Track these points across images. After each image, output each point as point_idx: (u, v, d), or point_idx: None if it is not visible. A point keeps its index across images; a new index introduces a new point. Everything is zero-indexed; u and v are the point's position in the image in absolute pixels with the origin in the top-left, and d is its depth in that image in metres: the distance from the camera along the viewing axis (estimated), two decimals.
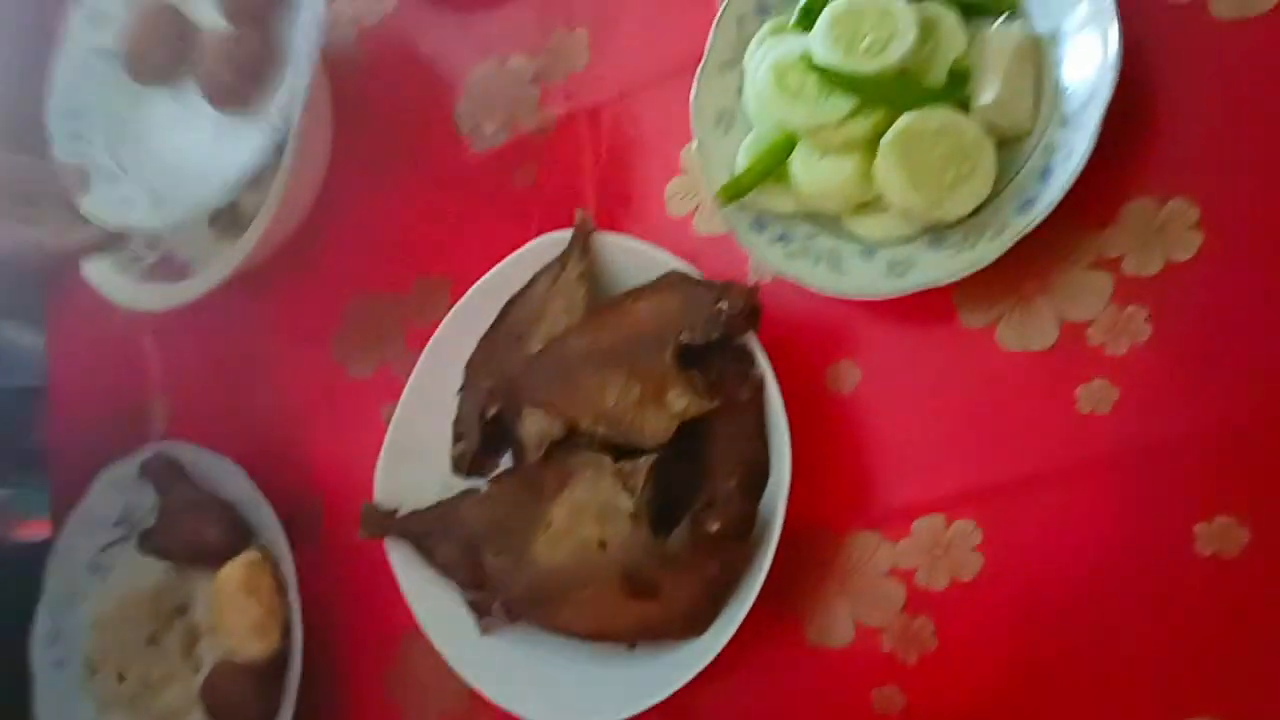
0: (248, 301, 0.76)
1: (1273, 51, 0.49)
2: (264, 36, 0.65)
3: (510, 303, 0.65)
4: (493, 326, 0.65)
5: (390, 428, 0.66)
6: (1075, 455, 0.51)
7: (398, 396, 0.66)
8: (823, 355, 0.58)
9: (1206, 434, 0.49)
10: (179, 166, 0.69)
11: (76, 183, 0.68)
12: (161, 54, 0.69)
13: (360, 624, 0.70)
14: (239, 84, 0.65)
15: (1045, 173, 0.51)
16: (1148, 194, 0.51)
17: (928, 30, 0.54)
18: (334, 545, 0.71)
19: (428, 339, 0.66)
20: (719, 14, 0.60)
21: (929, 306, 0.54)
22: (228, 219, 0.74)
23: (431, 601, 0.63)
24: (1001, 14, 0.54)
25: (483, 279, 0.65)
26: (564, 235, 0.63)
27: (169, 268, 0.75)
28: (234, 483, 0.71)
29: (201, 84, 0.66)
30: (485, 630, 0.62)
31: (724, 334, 0.56)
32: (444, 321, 0.66)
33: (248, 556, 0.69)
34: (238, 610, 0.67)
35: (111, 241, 0.68)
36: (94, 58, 0.71)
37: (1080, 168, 0.49)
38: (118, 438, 0.79)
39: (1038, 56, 0.52)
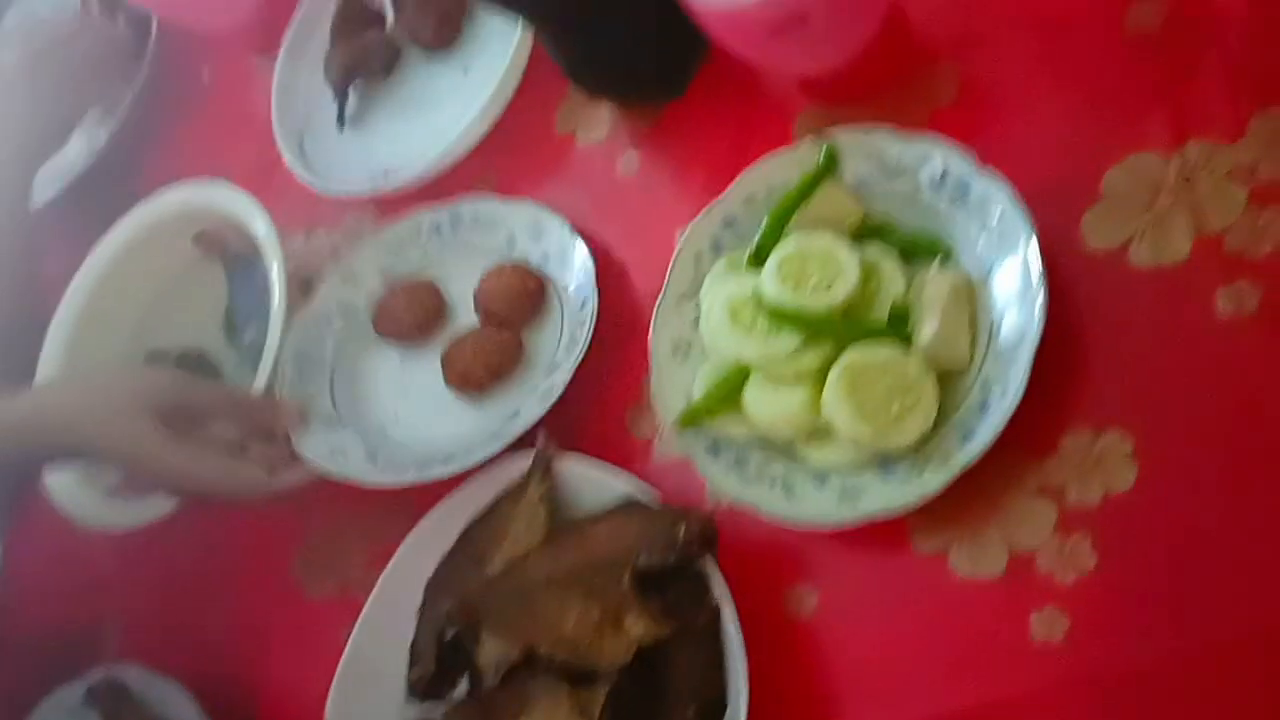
0: (208, 520, 0.76)
1: (1187, 296, 0.52)
2: (515, 338, 0.70)
3: (472, 524, 0.65)
4: (454, 547, 0.65)
5: (346, 651, 0.65)
6: (1030, 684, 0.51)
7: (355, 618, 0.65)
8: (780, 580, 0.58)
9: (1156, 663, 0.49)
10: (397, 428, 0.73)
11: (296, 422, 0.71)
12: (411, 321, 0.74)
13: None
14: (484, 378, 0.69)
15: (984, 406, 0.53)
16: (1084, 426, 0.53)
17: (870, 272, 0.58)
18: None
19: (388, 559, 0.66)
20: (677, 250, 0.64)
21: (883, 532, 0.55)
22: None
23: None
24: (937, 257, 0.58)
25: (445, 499, 0.66)
26: (526, 457, 0.64)
27: (132, 485, 0.76)
28: (183, 709, 0.69)
29: (447, 370, 0.70)
30: None
31: (681, 559, 0.57)
32: (405, 542, 0.66)
33: None
34: None
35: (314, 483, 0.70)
36: (335, 311, 0.76)
37: (1016, 402, 0.52)
38: (66, 658, 0.77)
39: (972, 297, 0.56)
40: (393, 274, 0.76)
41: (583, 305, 0.67)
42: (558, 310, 0.70)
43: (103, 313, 0.86)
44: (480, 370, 0.69)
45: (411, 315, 0.74)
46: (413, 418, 0.72)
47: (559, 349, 0.68)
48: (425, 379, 0.73)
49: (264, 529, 0.76)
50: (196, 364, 0.82)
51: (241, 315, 0.83)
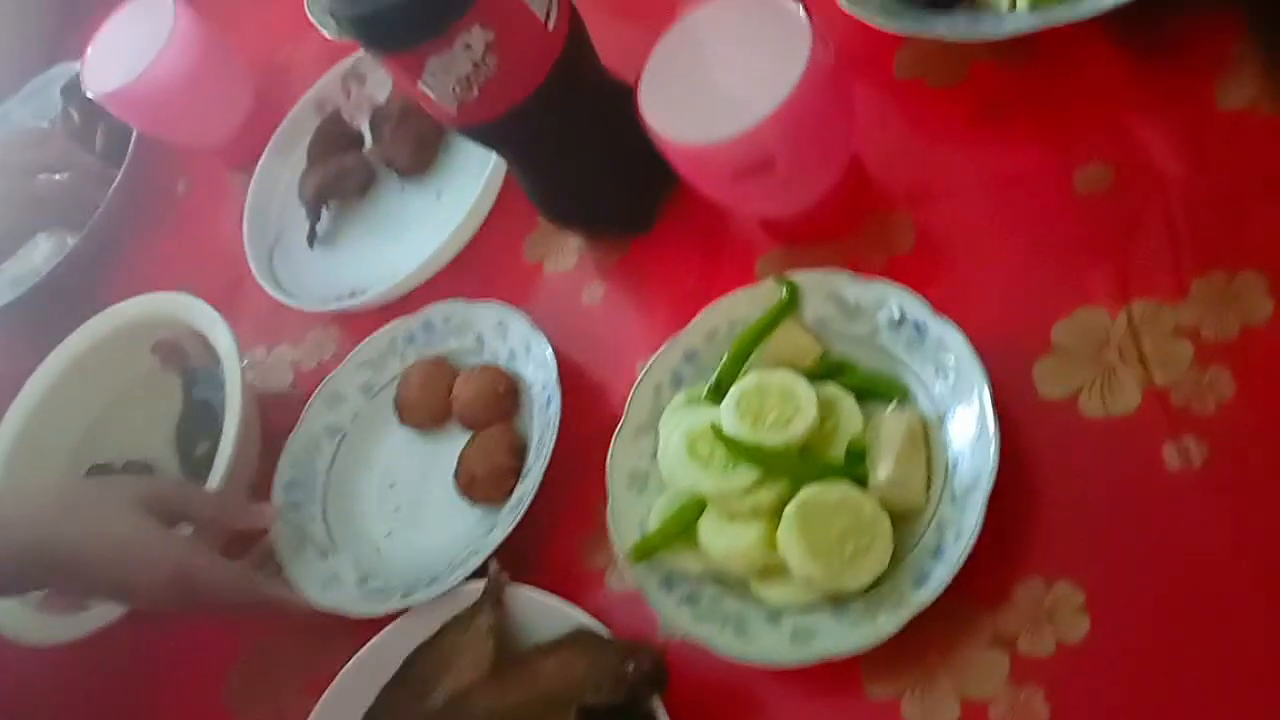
0: (140, 639, 0.73)
1: (1136, 449, 0.53)
2: (512, 428, 0.70)
3: (416, 652, 0.63)
4: (395, 677, 0.63)
5: None
6: None
7: None
8: None
9: None
10: (389, 543, 0.71)
11: (290, 548, 0.70)
12: (430, 404, 0.73)
13: None
14: (518, 465, 0.68)
15: (938, 550, 0.53)
16: (1036, 575, 0.53)
17: (827, 410, 0.58)
18: None
19: (325, 686, 0.64)
20: (637, 382, 0.64)
21: (836, 675, 0.54)
22: None
23: None
24: (894, 399, 0.59)
25: (389, 626, 0.64)
26: (477, 586, 0.63)
27: (64, 600, 0.73)
28: None
29: (470, 485, 0.69)
30: None
31: (630, 697, 0.56)
32: (345, 669, 0.64)
33: None
34: None
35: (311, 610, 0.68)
36: (323, 436, 0.75)
37: (969, 547, 0.52)
38: None
39: (928, 439, 0.56)
40: (373, 389, 0.76)
41: (548, 404, 0.67)
42: (528, 411, 0.70)
43: (52, 420, 0.84)
44: (509, 460, 0.67)
45: (425, 399, 0.73)
46: (405, 532, 0.71)
47: (530, 452, 0.68)
48: (423, 486, 0.72)
49: (195, 651, 0.73)
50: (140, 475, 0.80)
51: (195, 427, 0.82)
